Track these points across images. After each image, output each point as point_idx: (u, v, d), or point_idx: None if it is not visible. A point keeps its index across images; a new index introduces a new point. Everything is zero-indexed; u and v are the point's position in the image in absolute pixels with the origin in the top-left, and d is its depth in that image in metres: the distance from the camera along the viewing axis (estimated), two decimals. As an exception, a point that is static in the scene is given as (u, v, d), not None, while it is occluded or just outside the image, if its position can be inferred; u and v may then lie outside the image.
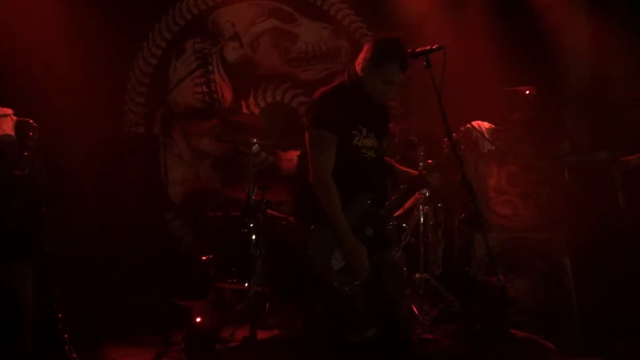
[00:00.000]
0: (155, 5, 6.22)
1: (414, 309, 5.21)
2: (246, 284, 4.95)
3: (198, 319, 4.66)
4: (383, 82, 3.56)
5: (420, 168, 3.75)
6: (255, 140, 5.11)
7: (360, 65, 3.60)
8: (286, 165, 5.38)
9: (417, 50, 3.48)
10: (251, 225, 4.97)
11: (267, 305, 5.13)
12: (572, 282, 5.12)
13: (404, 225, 5.34)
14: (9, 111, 4.34)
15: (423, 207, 5.35)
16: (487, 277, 4.95)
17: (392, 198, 3.70)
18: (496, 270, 4.90)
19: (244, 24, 6.44)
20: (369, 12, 6.77)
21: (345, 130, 3.56)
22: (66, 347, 4.29)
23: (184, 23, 6.29)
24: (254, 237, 4.96)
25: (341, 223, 3.49)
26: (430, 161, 3.80)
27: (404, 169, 3.88)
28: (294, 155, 5.50)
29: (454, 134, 3.55)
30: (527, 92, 5.57)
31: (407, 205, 5.41)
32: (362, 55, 3.61)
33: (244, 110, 6.47)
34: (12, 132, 4.27)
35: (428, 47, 3.44)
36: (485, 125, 5.24)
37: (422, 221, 5.37)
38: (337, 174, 3.54)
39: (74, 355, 4.30)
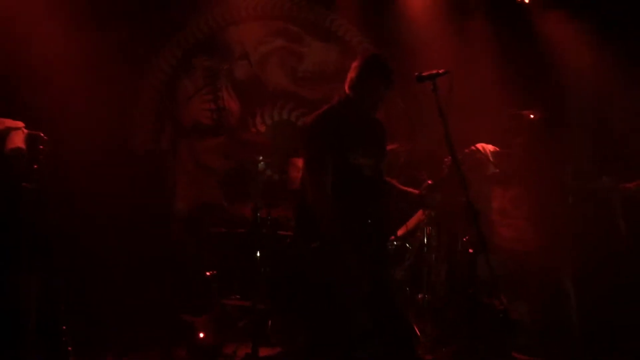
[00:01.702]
0: (166, 23, 6.29)
1: (416, 330, 5.22)
2: (249, 301, 4.98)
3: (201, 335, 4.68)
4: (369, 98, 3.64)
5: (420, 189, 3.76)
6: (261, 158, 5.15)
7: (347, 85, 3.70)
8: (296, 174, 5.40)
9: (423, 74, 3.52)
10: (256, 242, 5.00)
11: (270, 322, 5.16)
12: (575, 304, 5.13)
13: (408, 245, 5.36)
14: (21, 124, 4.40)
15: (427, 228, 5.37)
16: (489, 299, 4.96)
17: (393, 216, 3.72)
18: (499, 292, 4.92)
19: (253, 43, 6.53)
20: (376, 33, 6.83)
21: (339, 150, 3.60)
22: (70, 358, 4.33)
23: (194, 41, 6.36)
24: (258, 254, 4.98)
25: (339, 242, 3.50)
26: (430, 181, 3.79)
27: (405, 188, 3.90)
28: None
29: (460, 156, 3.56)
30: (532, 116, 5.62)
31: (411, 225, 5.43)
32: (349, 75, 3.71)
33: (251, 128, 6.52)
34: (23, 145, 4.32)
35: (434, 72, 3.48)
36: (489, 148, 5.27)
37: (425, 242, 5.39)
38: (336, 194, 3.56)
39: (78, 367, 4.33)
